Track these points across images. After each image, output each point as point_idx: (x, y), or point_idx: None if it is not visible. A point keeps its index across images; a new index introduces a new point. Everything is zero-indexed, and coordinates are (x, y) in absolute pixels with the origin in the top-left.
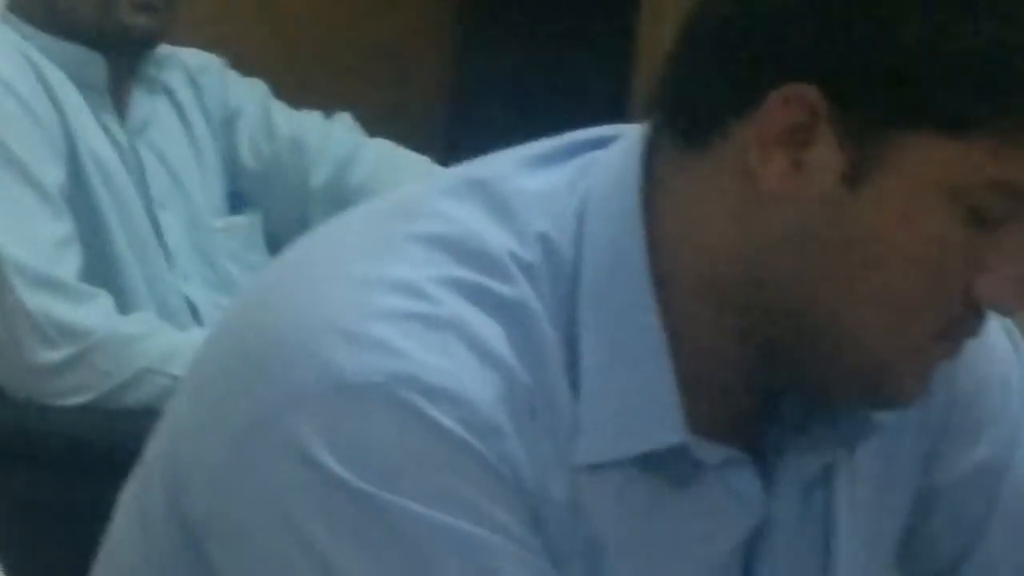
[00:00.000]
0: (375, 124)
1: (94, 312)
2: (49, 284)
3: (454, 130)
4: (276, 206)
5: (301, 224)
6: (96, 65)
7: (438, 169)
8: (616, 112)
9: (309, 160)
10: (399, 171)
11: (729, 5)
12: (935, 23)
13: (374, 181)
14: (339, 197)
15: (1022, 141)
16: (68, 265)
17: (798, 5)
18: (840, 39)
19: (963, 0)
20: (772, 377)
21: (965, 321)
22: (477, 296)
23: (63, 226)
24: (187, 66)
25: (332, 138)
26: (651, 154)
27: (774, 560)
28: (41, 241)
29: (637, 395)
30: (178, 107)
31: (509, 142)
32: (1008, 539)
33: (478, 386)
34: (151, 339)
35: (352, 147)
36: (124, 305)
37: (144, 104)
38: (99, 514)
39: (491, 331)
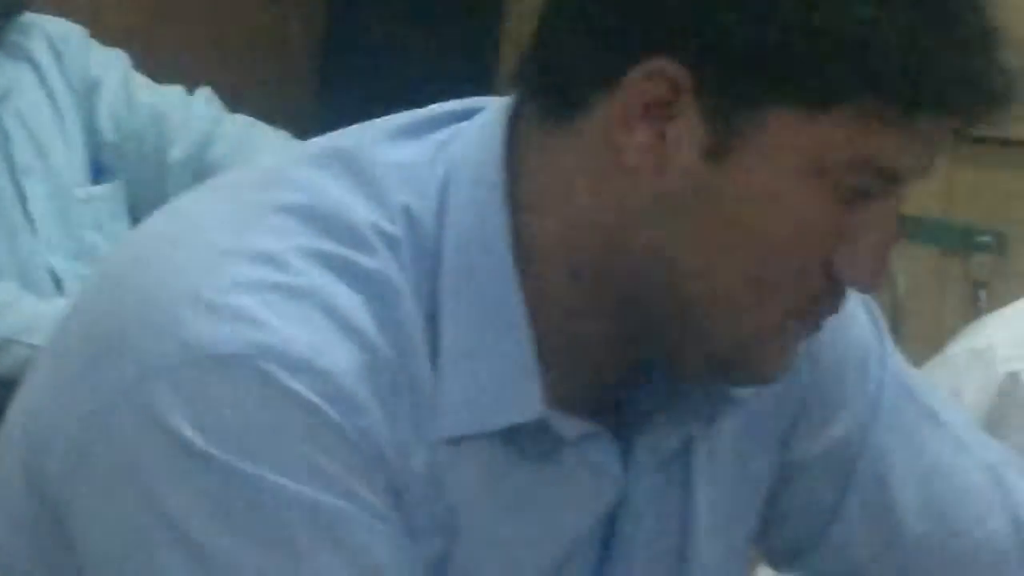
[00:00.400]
0: (241, 100)
1: None
2: None
3: (323, 106)
4: (136, 178)
5: (161, 197)
6: None
7: (298, 144)
8: (484, 87)
9: (169, 134)
10: (259, 146)
11: None
12: (800, 2)
13: (234, 156)
14: (199, 172)
15: (885, 119)
16: None
17: None
18: (705, 14)
19: None
20: (634, 351)
21: (826, 298)
22: (340, 268)
23: None
24: (49, 34)
25: (193, 113)
26: (515, 127)
27: (633, 534)
28: None
29: (496, 369)
30: (40, 75)
31: (377, 115)
32: (863, 518)
33: (338, 358)
34: (11, 309)
35: (212, 122)
36: None
37: (7, 71)
38: None
39: (353, 303)
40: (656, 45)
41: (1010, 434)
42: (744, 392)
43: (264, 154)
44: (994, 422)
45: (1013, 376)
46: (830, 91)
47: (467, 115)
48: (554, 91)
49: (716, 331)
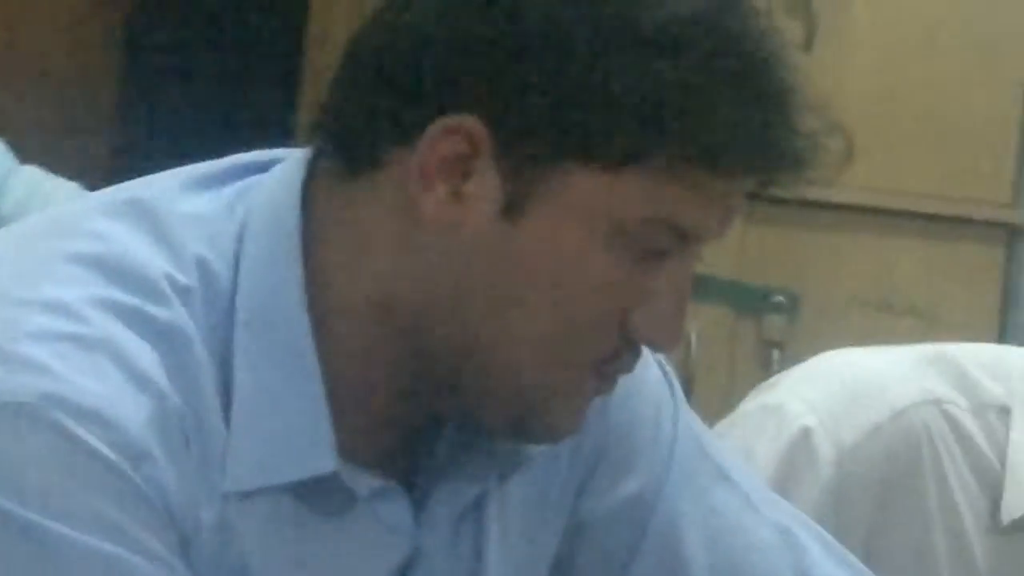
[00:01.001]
0: (36, 151)
1: None
2: None
3: (118, 156)
4: None
5: None
6: None
7: (91, 194)
8: (284, 138)
9: None
10: (49, 199)
11: (392, 32)
12: (596, 62)
13: (23, 209)
14: None
15: (680, 179)
16: None
17: (462, 36)
18: (503, 72)
19: (623, 39)
20: (429, 405)
21: (620, 356)
22: (131, 318)
23: None
24: None
25: None
26: (312, 179)
27: None
28: None
29: (288, 422)
30: None
31: (174, 166)
32: (651, 568)
33: (129, 409)
34: None
35: (2, 174)
36: None
37: None
38: None
39: (144, 354)
40: (455, 101)
41: (801, 488)
42: (536, 449)
43: (56, 205)
44: (785, 477)
45: (804, 431)
46: (624, 151)
47: (266, 166)
48: (352, 144)
49: (509, 387)
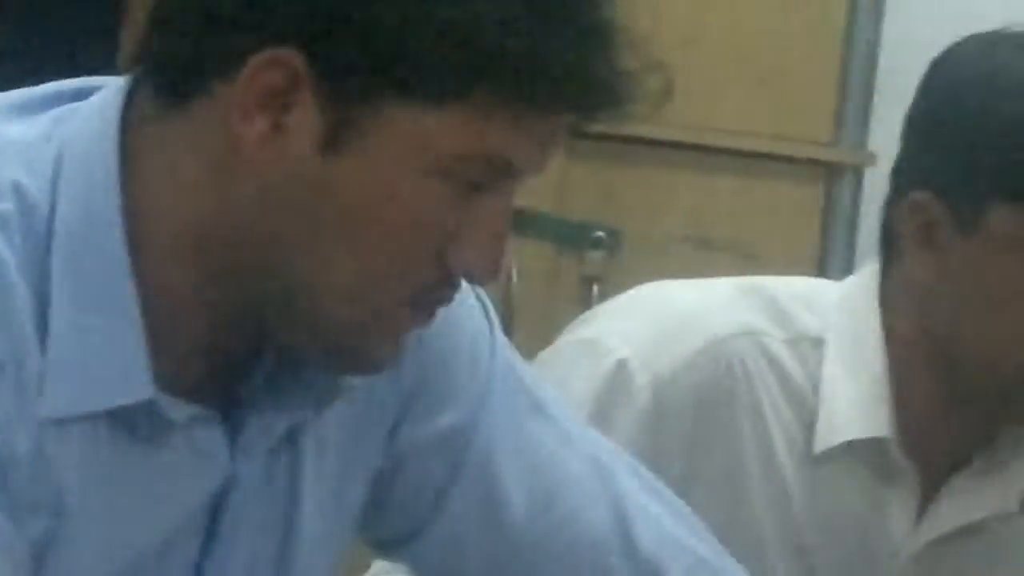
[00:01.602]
0: None
1: None
2: None
3: None
4: None
5: None
6: None
7: None
8: (109, 66)
9: None
10: None
11: None
12: None
13: None
14: None
15: (499, 114)
16: None
17: None
18: (322, 6)
19: None
20: (248, 335)
21: (439, 288)
22: None
23: None
24: None
25: None
26: (132, 107)
27: (239, 519)
28: None
29: (104, 351)
30: None
31: None
32: (470, 507)
33: None
34: None
35: None
36: None
37: None
38: None
39: None
40: (276, 33)
41: (618, 420)
42: (353, 380)
43: None
44: (602, 409)
45: (620, 363)
46: (443, 86)
47: (85, 94)
48: (171, 75)
49: (327, 318)
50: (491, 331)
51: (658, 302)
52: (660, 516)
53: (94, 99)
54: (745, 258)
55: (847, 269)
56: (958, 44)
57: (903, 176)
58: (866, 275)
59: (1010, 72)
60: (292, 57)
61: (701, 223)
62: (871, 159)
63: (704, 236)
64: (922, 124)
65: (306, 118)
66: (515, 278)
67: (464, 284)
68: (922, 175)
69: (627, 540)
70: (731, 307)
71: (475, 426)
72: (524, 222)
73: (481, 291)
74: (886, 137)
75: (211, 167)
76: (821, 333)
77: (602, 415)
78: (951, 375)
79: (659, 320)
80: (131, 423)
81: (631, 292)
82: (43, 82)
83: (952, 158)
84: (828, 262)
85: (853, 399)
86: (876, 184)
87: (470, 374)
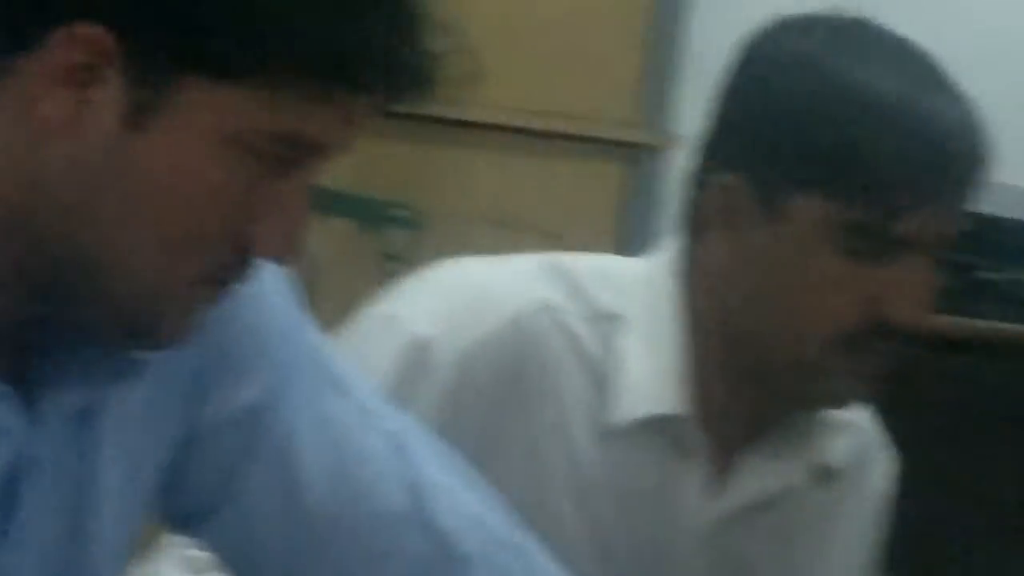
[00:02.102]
0: None
1: None
2: None
3: None
4: None
5: None
6: None
7: None
8: None
9: None
10: None
11: None
12: None
13: None
14: None
15: (302, 93)
16: None
17: None
18: None
19: None
20: (42, 309)
21: (235, 267)
22: None
23: None
24: None
25: None
26: None
27: (37, 495)
28: None
29: None
30: None
31: None
32: (267, 484)
33: None
34: None
35: None
36: None
37: None
38: None
39: None
40: (81, 8)
41: (417, 397)
42: (146, 356)
43: None
44: (402, 386)
45: (420, 340)
46: (242, 65)
47: None
48: None
49: (120, 293)
50: (294, 309)
51: (458, 279)
52: (458, 492)
53: None
54: (547, 237)
55: (647, 248)
56: (772, 25)
57: (710, 156)
58: (665, 253)
59: (824, 61)
60: (97, 33)
61: (503, 203)
62: (672, 140)
63: (506, 215)
64: (732, 105)
65: (110, 93)
66: (316, 256)
67: (266, 262)
68: (730, 158)
69: (424, 515)
70: (530, 284)
71: (274, 403)
72: (326, 200)
73: (283, 269)
74: (687, 119)
75: (11, 141)
76: (619, 310)
77: (402, 392)
78: (744, 355)
79: (459, 297)
80: None
81: (431, 269)
82: None
83: (761, 144)
84: (629, 241)
85: (649, 375)
86: (677, 165)
87: (270, 351)
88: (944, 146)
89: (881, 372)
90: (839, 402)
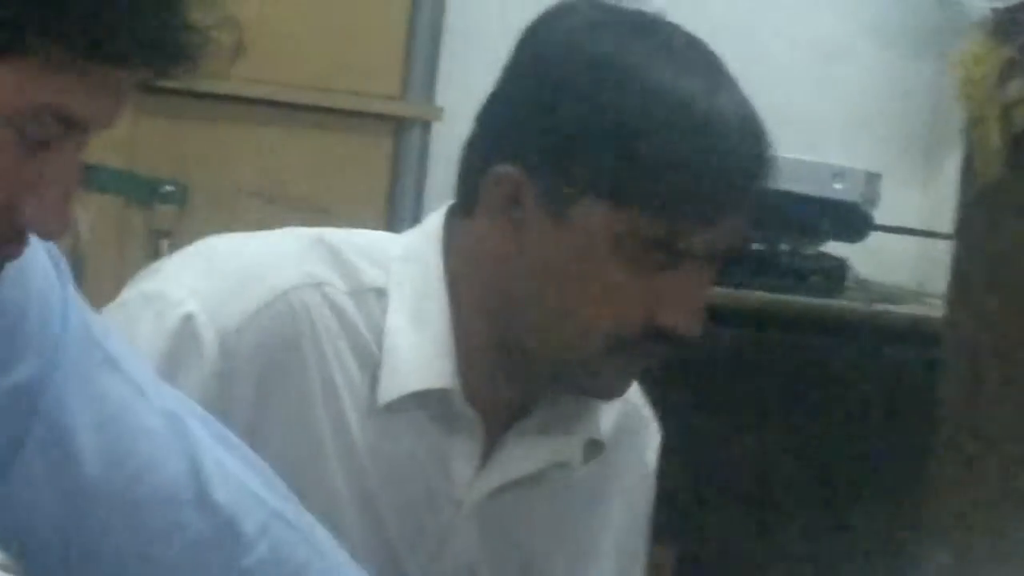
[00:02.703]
0: None
1: None
2: None
3: None
4: None
5: None
6: None
7: None
8: None
9: None
10: None
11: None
12: None
13: None
14: None
15: (61, 68)
16: None
17: None
18: None
19: None
20: None
21: (4, 245)
22: None
23: None
24: None
25: None
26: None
27: None
28: None
29: None
30: None
31: None
32: (41, 464)
33: None
34: None
35: None
36: None
37: None
38: None
39: None
40: None
41: (186, 374)
42: None
43: None
44: (169, 364)
45: (186, 317)
46: (1, 37)
47: None
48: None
49: None
50: (62, 286)
51: (223, 254)
52: (235, 469)
53: None
54: (316, 212)
55: (415, 222)
56: (563, 12)
57: (492, 142)
58: (430, 226)
59: (619, 64)
60: None
61: (271, 178)
62: (438, 113)
63: (274, 191)
64: (520, 96)
65: None
66: (85, 232)
67: (33, 239)
68: (513, 148)
69: (201, 493)
70: (296, 258)
71: (46, 381)
72: (92, 176)
73: (52, 245)
74: (453, 92)
75: None
76: (384, 284)
77: (170, 370)
78: (511, 340)
79: (224, 272)
80: None
81: (196, 244)
82: None
83: (547, 142)
84: (396, 215)
85: (417, 350)
86: (443, 138)
87: (41, 329)
88: (732, 160)
89: (649, 368)
90: (605, 395)
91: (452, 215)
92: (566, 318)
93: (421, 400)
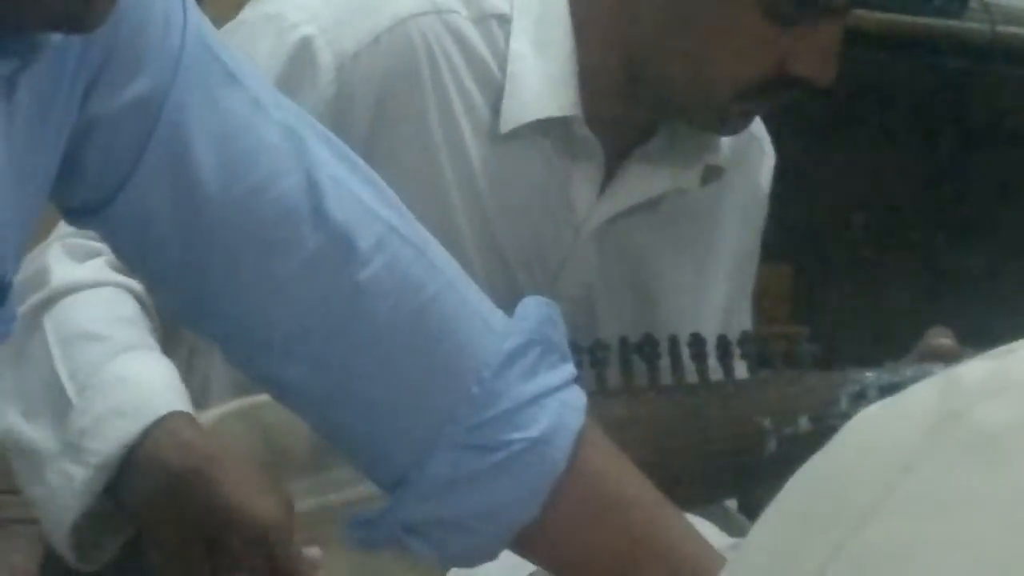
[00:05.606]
0: None
1: None
2: None
3: None
4: None
5: None
6: None
7: None
8: None
9: None
10: None
11: None
12: None
13: None
14: None
15: None
16: None
17: None
18: None
19: None
20: None
21: None
22: None
23: None
24: None
25: None
26: None
27: None
28: None
29: None
30: None
31: None
32: (161, 174)
33: None
34: None
35: None
36: None
37: None
38: None
39: None
40: None
41: (301, 97)
42: (54, 40)
43: None
44: (285, 85)
45: (304, 40)
46: None
47: None
48: None
49: None
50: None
51: None
52: (352, 185)
53: None
54: None
55: None
56: None
57: None
58: None
59: None
60: None
61: None
62: None
63: None
64: None
65: None
66: None
67: None
68: None
69: (318, 209)
70: None
71: (167, 93)
72: None
73: None
74: None
75: None
76: (507, 11)
77: (285, 91)
78: (635, 68)
79: None
80: None
81: None
82: None
83: None
84: None
85: (541, 77)
86: None
87: (161, 41)
88: None
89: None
90: (728, 132)
91: None
92: (701, 64)
93: (543, 127)
